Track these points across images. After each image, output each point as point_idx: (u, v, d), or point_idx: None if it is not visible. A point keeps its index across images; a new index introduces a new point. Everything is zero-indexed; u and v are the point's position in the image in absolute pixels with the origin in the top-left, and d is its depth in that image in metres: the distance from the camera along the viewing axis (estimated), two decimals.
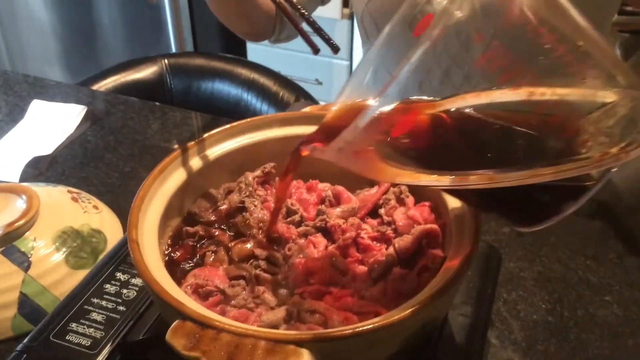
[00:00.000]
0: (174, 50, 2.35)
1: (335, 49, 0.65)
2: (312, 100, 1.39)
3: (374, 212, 0.64)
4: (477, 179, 0.40)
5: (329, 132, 0.50)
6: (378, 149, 0.43)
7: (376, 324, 0.44)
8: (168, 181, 0.61)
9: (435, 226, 0.58)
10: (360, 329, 0.44)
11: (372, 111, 0.39)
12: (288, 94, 1.38)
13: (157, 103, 1.18)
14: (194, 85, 1.47)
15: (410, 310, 0.45)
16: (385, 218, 0.62)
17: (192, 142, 0.64)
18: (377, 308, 0.53)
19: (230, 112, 1.42)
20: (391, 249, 0.58)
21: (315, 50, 0.66)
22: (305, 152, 0.52)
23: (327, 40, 0.65)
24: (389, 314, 0.45)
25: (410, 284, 0.55)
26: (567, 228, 0.86)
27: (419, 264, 0.56)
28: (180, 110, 1.16)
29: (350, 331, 0.44)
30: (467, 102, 0.42)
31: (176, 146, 1.06)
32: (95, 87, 1.36)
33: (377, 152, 0.43)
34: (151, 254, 0.52)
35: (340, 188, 0.65)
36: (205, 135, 0.65)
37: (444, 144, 0.44)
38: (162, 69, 1.47)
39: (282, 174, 0.58)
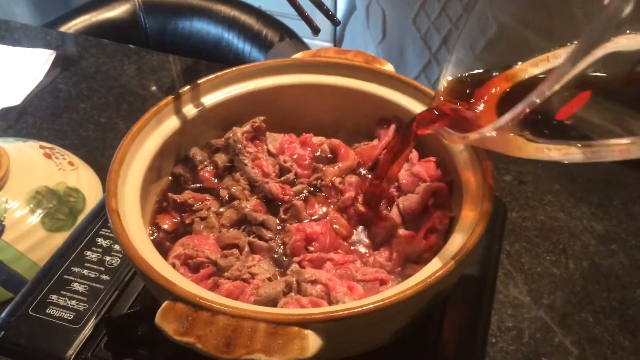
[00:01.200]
0: None
1: (336, 23, 0.59)
2: (298, 40, 1.31)
3: (374, 169, 0.59)
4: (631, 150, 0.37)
5: (449, 109, 0.47)
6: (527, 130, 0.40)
7: (387, 301, 0.40)
8: (148, 140, 0.55)
9: (442, 184, 0.54)
10: (370, 306, 0.40)
11: (532, 100, 0.35)
12: (272, 33, 1.30)
13: (132, 46, 1.10)
14: (170, 25, 1.38)
15: (423, 284, 0.41)
16: None
17: (173, 96, 0.58)
18: (381, 275, 0.50)
19: (211, 54, 1.34)
20: (395, 210, 0.54)
21: (316, 31, 0.59)
22: (427, 132, 0.49)
23: (328, 14, 0.58)
24: (401, 288, 0.41)
25: (417, 248, 0.51)
26: (571, 175, 0.83)
27: (426, 225, 0.52)
28: (158, 54, 1.08)
29: (359, 309, 0.40)
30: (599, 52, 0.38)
31: (154, 88, 1.00)
32: (63, 28, 1.26)
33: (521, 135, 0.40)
34: (134, 224, 0.47)
35: (336, 142, 0.60)
36: (187, 87, 0.59)
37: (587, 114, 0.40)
38: (135, 7, 1.37)
39: (384, 162, 0.53)
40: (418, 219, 0.54)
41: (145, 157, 0.54)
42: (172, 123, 0.57)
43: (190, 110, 0.58)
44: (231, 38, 1.35)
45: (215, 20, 1.36)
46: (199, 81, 0.59)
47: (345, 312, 0.39)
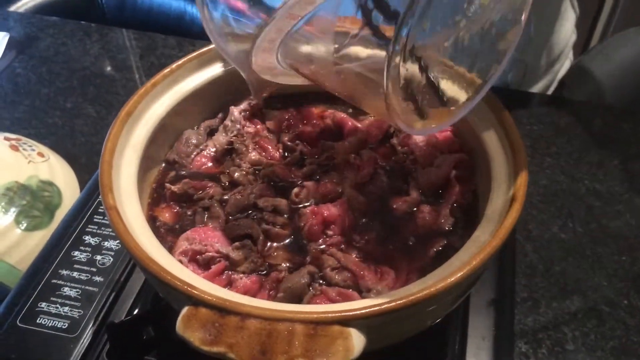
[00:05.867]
0: None
1: None
2: None
3: (382, 142, 0.55)
4: None
5: None
6: None
7: (434, 289, 0.36)
8: (138, 125, 0.49)
9: (465, 156, 0.50)
10: (416, 296, 0.36)
11: None
12: None
13: (92, 24, 1.02)
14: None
15: (468, 268, 0.37)
16: (400, 148, 0.53)
17: (160, 75, 0.52)
18: (407, 255, 0.46)
19: (174, 29, 1.26)
20: (413, 184, 0.50)
21: None
22: None
23: None
24: (443, 273, 0.38)
25: (446, 225, 0.47)
26: (567, 135, 0.81)
27: (449, 200, 0.49)
28: (122, 31, 1.01)
29: (403, 302, 0.36)
30: None
31: (123, 68, 0.93)
32: (12, 8, 1.17)
33: None
34: (136, 221, 0.42)
35: (340, 115, 0.56)
36: (175, 64, 0.53)
37: None
38: None
39: None
40: (437, 193, 0.50)
41: (137, 145, 0.48)
42: (161, 105, 0.52)
43: (181, 89, 0.53)
44: (194, 11, 1.27)
45: None
46: (187, 57, 0.54)
47: (392, 306, 0.36)
